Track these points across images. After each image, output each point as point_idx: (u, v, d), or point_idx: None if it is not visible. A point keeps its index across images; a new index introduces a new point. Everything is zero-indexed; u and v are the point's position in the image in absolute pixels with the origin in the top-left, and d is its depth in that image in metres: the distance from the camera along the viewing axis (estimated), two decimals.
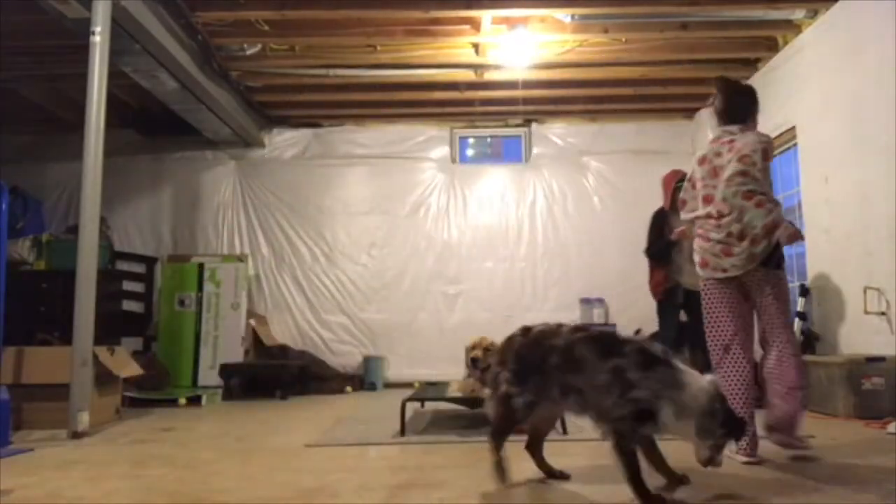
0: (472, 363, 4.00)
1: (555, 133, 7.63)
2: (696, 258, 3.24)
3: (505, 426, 2.50)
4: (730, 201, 3.06)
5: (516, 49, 5.81)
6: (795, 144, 5.69)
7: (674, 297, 4.97)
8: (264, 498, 2.46)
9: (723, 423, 2.22)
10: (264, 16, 5.29)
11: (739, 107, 3.28)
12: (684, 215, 3.41)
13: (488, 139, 8.11)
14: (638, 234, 7.17)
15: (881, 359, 4.20)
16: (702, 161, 3.27)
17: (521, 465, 3.01)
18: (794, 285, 5.32)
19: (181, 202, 7.57)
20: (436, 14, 5.22)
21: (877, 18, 4.45)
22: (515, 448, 2.60)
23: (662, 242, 4.94)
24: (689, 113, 7.37)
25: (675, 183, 4.89)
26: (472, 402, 4.04)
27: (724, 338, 3.09)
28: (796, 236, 3.12)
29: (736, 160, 3.10)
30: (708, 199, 3.18)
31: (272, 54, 5.99)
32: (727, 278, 3.08)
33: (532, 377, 2.42)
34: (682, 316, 4.96)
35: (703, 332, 3.21)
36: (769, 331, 3.08)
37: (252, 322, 7.00)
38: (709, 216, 3.14)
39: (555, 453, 3.29)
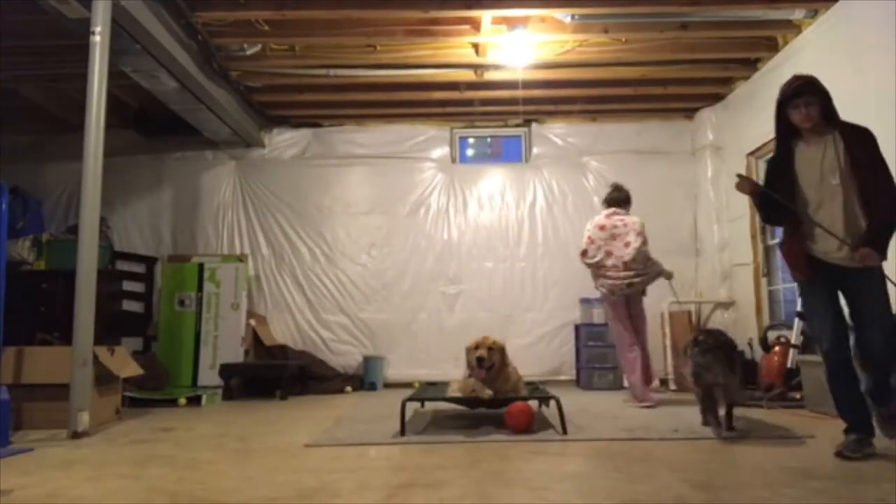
0: (478, 362, 3.98)
1: (555, 133, 7.63)
2: (605, 289, 5.28)
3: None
4: (638, 260, 5.16)
5: (516, 49, 5.81)
6: None
7: (821, 273, 3.25)
8: (264, 498, 2.46)
9: None
10: (264, 16, 5.29)
11: (626, 200, 5.47)
12: (588, 261, 5.34)
13: (488, 139, 8.11)
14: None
15: None
16: (602, 227, 5.31)
17: (526, 465, 3.02)
18: (793, 285, 5.31)
19: (181, 202, 7.57)
20: (436, 14, 5.22)
21: (877, 18, 4.45)
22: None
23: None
24: (689, 113, 7.38)
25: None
26: (473, 402, 4.03)
27: (623, 332, 5.28)
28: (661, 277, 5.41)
29: (635, 234, 5.20)
30: (609, 254, 5.23)
31: (272, 54, 5.99)
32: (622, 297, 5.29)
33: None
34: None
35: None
36: (640, 330, 5.35)
37: (252, 322, 7.00)
38: (615, 266, 5.19)
39: (555, 453, 3.30)
